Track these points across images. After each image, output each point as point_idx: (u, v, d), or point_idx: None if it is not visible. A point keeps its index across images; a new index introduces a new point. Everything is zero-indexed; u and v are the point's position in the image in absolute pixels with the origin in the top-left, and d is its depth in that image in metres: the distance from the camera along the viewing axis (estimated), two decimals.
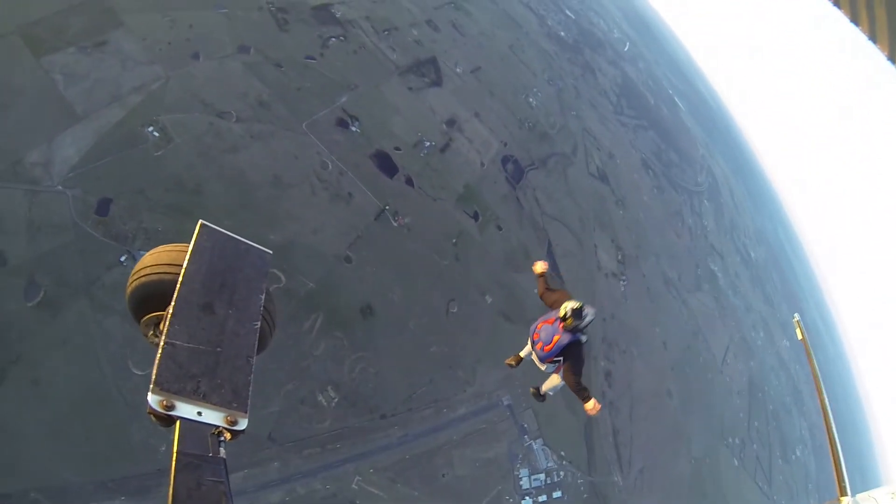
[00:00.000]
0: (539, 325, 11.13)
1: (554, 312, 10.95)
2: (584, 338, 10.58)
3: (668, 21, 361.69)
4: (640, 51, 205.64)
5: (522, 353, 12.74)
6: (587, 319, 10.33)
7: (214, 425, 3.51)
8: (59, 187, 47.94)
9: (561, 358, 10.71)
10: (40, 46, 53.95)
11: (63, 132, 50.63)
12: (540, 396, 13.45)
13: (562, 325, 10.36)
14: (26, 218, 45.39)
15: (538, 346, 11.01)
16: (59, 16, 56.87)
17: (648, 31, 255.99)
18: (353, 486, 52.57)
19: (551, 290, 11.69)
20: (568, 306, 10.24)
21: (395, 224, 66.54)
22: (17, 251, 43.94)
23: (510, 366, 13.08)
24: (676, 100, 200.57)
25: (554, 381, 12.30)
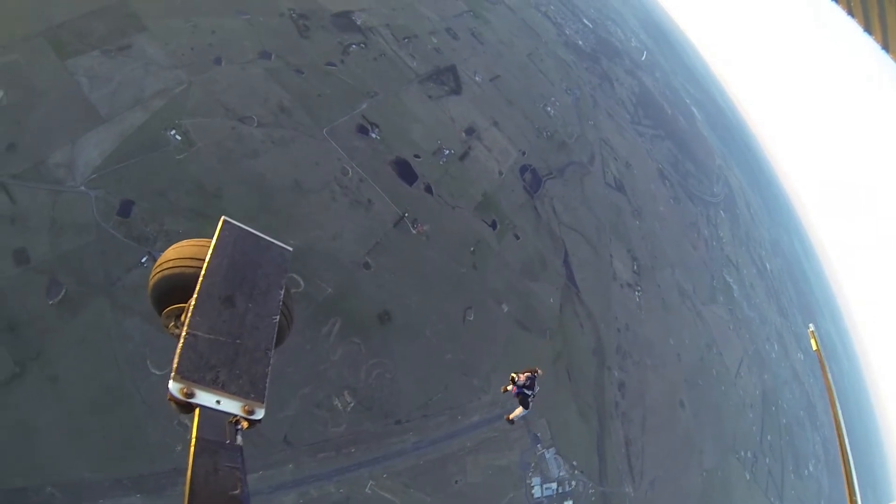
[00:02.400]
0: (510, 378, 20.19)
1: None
2: (528, 392, 19.50)
3: (685, 30, 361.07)
4: (658, 60, 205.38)
5: (507, 388, 21.16)
6: (517, 383, 19.47)
7: (232, 414, 3.75)
8: (82, 188, 48.57)
9: (519, 396, 19.77)
10: (65, 49, 54.80)
11: (87, 134, 51.35)
12: (510, 422, 22.52)
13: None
14: (49, 217, 46.02)
15: (510, 389, 20.06)
16: (84, 19, 57.71)
17: (666, 40, 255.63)
18: (367, 490, 52.66)
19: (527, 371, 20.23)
20: (510, 376, 19.78)
21: (415, 231, 66.79)
22: (40, 250, 44.57)
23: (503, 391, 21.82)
24: (693, 109, 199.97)
25: (518, 411, 20.54)
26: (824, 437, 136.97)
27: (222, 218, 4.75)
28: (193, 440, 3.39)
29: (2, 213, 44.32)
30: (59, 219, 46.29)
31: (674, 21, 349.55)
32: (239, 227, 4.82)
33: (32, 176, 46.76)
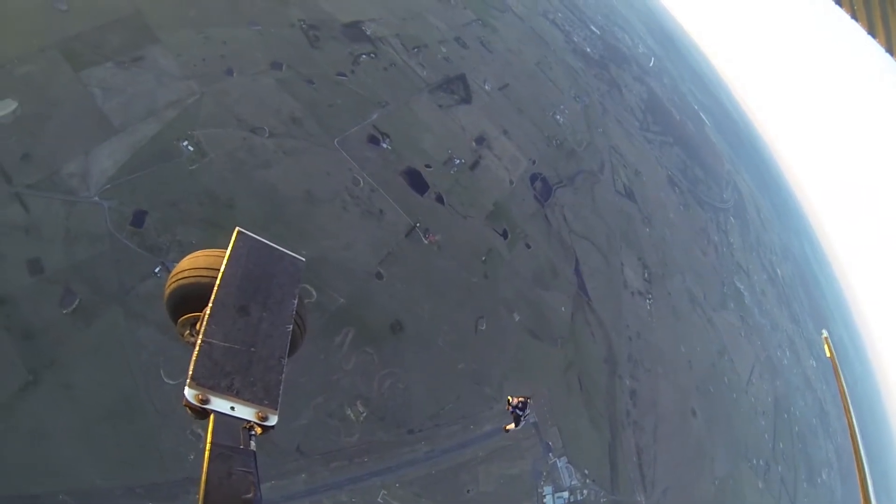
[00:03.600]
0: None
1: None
2: (520, 412, 24.85)
3: (693, 35, 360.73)
4: (665, 66, 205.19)
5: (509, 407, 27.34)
6: (512, 404, 25.09)
7: (246, 420, 3.90)
8: (96, 198, 48.87)
9: (514, 415, 26.18)
10: (79, 60, 55.17)
11: (100, 144, 51.66)
12: (506, 431, 28.90)
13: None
14: (63, 227, 46.33)
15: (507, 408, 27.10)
16: (98, 31, 58.12)
17: (673, 46, 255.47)
18: (379, 499, 52.63)
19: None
20: (507, 398, 26.45)
21: (426, 241, 66.96)
22: (54, 260, 44.84)
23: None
24: (702, 115, 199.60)
25: (511, 426, 25.98)
26: (837, 444, 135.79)
27: (236, 229, 4.92)
28: (208, 445, 3.52)
29: (16, 223, 44.62)
30: (72, 229, 46.58)
31: (681, 26, 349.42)
32: (253, 237, 4.98)
33: (46, 186, 47.08)
